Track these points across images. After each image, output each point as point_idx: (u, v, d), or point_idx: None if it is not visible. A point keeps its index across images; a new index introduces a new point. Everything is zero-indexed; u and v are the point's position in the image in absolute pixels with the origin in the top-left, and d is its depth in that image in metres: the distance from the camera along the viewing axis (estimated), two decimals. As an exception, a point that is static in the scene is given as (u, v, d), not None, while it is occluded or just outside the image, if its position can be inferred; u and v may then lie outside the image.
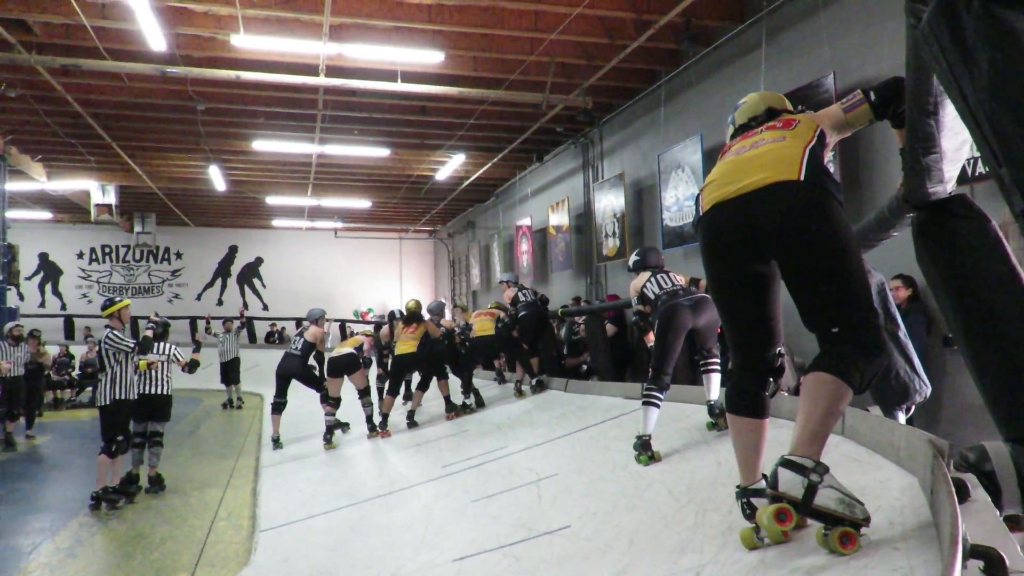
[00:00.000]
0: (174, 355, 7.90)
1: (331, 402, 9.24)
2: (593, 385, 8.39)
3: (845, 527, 2.25)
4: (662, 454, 4.68)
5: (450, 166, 14.98)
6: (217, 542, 5.70)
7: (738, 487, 2.78)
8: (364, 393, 9.31)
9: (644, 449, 4.72)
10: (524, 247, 15.80)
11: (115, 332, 7.18)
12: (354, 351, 9.42)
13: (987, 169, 5.10)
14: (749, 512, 2.68)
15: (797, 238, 2.44)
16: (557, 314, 10.44)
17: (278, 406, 9.58)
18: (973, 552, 1.81)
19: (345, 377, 9.33)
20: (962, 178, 5.29)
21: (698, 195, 2.81)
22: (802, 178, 2.47)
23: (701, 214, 2.73)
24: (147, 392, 7.54)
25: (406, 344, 9.10)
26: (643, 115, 11.07)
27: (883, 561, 2.13)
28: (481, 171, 15.34)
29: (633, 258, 5.92)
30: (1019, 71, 1.30)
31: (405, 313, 9.35)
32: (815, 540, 2.36)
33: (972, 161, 5.41)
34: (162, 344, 7.89)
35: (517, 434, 7.31)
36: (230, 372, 14.83)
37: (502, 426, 7.91)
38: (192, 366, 8.07)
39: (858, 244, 2.69)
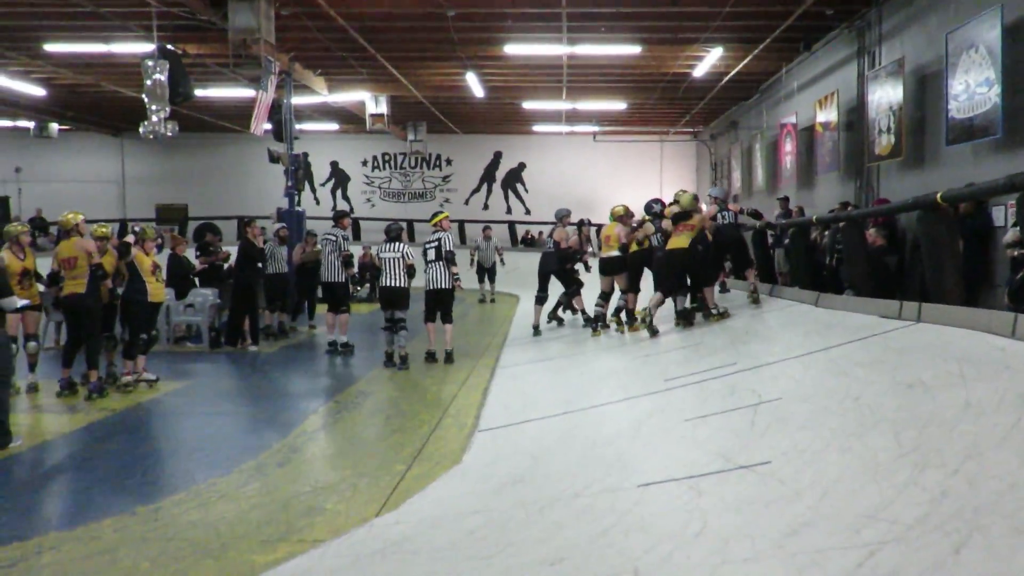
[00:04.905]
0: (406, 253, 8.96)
1: (603, 296, 9.87)
2: (847, 301, 7.50)
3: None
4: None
5: (707, 61, 13.98)
6: (439, 438, 5.90)
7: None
8: (628, 290, 9.71)
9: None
10: (788, 148, 14.49)
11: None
12: (619, 253, 9.47)
13: None
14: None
15: None
16: (811, 221, 9.47)
17: (540, 299, 10.85)
18: None
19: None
20: None
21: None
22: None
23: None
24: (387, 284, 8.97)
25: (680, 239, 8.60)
26: (933, -13, 9.36)
27: None
28: (741, 65, 14.14)
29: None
30: None
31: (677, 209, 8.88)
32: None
33: None
34: (398, 244, 8.94)
35: (751, 350, 6.79)
36: (489, 273, 16.70)
37: (737, 340, 7.40)
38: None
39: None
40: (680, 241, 8.47)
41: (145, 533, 3.92)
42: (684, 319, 8.77)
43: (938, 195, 6.15)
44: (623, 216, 9.53)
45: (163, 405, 7.26)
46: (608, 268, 9.62)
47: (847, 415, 3.96)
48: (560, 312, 11.23)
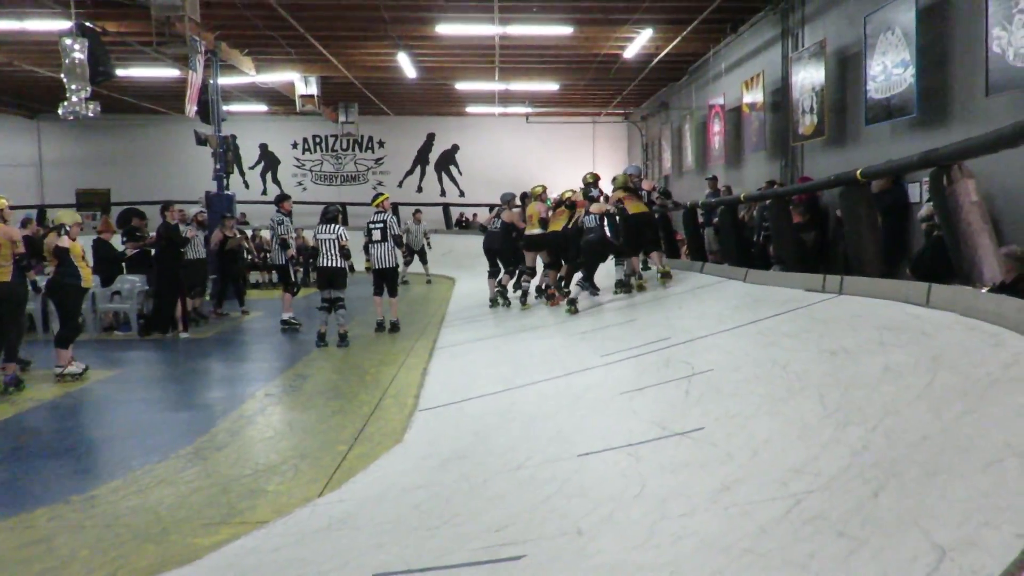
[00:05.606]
0: (340, 234, 9.32)
1: (528, 272, 10.50)
2: (774, 276, 7.77)
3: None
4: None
5: (638, 42, 14.16)
6: (380, 419, 5.92)
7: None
8: (550, 266, 10.41)
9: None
10: (716, 128, 14.80)
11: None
12: (541, 230, 10.13)
13: None
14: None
15: None
16: (739, 200, 9.77)
17: (492, 273, 11.37)
18: None
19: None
20: None
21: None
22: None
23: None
24: (324, 265, 9.30)
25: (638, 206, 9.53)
26: (853, -30, 9.67)
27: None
28: (670, 46, 14.37)
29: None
30: None
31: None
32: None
33: None
34: (333, 226, 9.33)
35: (684, 324, 6.97)
36: (419, 255, 16.85)
37: (671, 315, 7.59)
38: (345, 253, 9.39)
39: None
40: (639, 207, 9.48)
41: (82, 521, 3.86)
42: (622, 287, 9.38)
43: (858, 172, 6.40)
44: (541, 195, 10.43)
45: (94, 394, 7.07)
46: (531, 245, 10.35)
47: (775, 382, 4.13)
48: (511, 289, 11.29)
